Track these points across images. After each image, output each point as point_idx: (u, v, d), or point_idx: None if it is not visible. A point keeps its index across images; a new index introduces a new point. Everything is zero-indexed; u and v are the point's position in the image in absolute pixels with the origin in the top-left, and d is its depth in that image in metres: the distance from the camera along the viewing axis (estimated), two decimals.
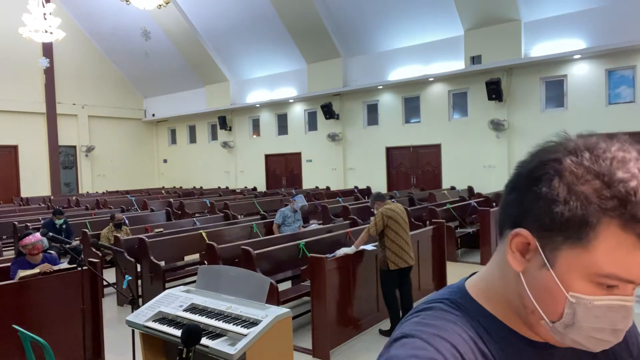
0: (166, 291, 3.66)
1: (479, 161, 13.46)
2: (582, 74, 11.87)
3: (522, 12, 12.12)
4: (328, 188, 16.13)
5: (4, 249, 8.48)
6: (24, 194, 18.24)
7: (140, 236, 6.74)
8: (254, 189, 18.19)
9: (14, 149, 18.94)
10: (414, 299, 5.29)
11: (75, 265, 4.39)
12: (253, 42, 17.05)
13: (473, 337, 0.71)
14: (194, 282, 5.24)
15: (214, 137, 20.84)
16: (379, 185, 15.33)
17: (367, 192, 14.91)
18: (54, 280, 4.29)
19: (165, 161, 23.28)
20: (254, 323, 2.95)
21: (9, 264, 4.68)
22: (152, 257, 6.27)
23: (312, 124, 17.53)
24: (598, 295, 0.65)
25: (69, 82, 20.19)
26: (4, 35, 17.56)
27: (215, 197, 14.37)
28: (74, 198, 15.44)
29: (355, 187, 15.38)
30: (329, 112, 15.94)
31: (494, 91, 12.52)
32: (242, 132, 19.61)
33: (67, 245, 4.25)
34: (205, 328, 3.03)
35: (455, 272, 7.06)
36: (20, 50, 18.01)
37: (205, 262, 6.13)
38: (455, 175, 14.00)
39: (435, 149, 14.55)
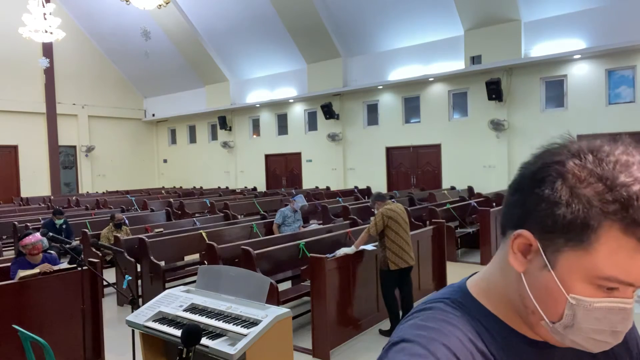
0: (166, 291, 3.66)
1: (479, 161, 13.46)
2: (582, 74, 11.87)
3: (522, 12, 12.12)
4: (328, 188, 16.14)
5: (4, 249, 8.48)
6: (24, 194, 18.24)
7: (140, 236, 6.74)
8: (254, 189, 18.20)
9: (14, 149, 18.94)
10: (414, 299, 5.29)
11: (75, 265, 4.38)
12: (253, 42, 17.05)
13: (472, 338, 0.71)
14: (194, 282, 5.24)
15: (214, 137, 20.85)
16: (379, 185, 15.33)
17: (367, 192, 14.91)
18: (54, 280, 4.29)
19: (165, 161, 23.28)
20: (254, 323, 2.95)
21: (9, 264, 4.68)
22: (152, 257, 6.27)
23: (312, 124, 17.54)
24: (598, 298, 0.65)
25: (68, 82, 20.19)
26: (4, 35, 17.56)
27: (215, 197, 14.37)
28: (74, 198, 15.44)
29: (355, 187, 15.38)
30: (329, 112, 15.94)
31: (494, 91, 12.53)
32: (242, 132, 19.61)
33: (67, 245, 4.25)
34: (205, 328, 3.03)
35: (455, 272, 7.06)
36: (20, 50, 18.02)
37: (205, 262, 6.12)
38: (455, 175, 14.00)
39: (435, 149, 14.55)
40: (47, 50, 18.53)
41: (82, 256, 6.49)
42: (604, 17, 11.17)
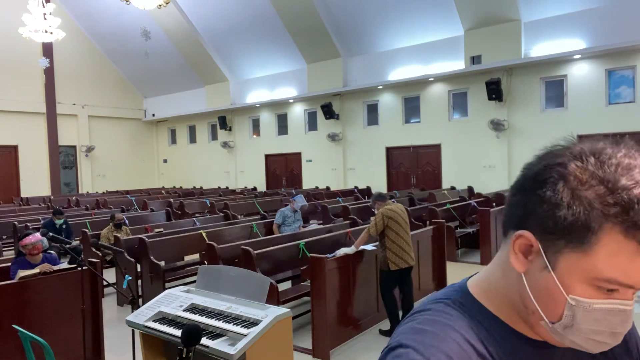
0: (166, 291, 3.66)
1: (479, 161, 13.46)
2: (582, 74, 11.87)
3: (522, 12, 12.12)
4: (328, 188, 16.14)
5: (4, 249, 8.48)
6: (24, 194, 18.24)
7: (140, 236, 6.74)
8: (254, 189, 18.20)
9: (14, 149, 18.94)
10: (414, 299, 5.30)
11: (75, 265, 4.39)
12: (253, 42, 17.05)
13: (471, 340, 0.72)
14: (194, 282, 5.24)
15: (214, 137, 20.85)
16: (379, 185, 15.34)
17: (367, 192, 14.91)
18: (54, 280, 4.29)
19: (165, 161, 23.28)
20: (254, 323, 2.95)
21: (9, 264, 4.68)
22: (152, 257, 6.28)
23: (312, 124, 17.53)
24: (598, 299, 0.65)
25: (68, 82, 20.19)
26: (4, 35, 17.56)
27: (215, 197, 14.37)
28: (74, 198, 15.44)
29: (355, 187, 15.38)
30: (329, 112, 15.94)
31: (494, 91, 12.53)
32: (242, 132, 19.61)
33: (67, 245, 4.25)
34: (205, 328, 3.03)
35: (455, 272, 7.07)
36: (20, 50, 18.02)
37: (205, 262, 6.12)
38: (455, 175, 14.00)
39: (435, 149, 14.55)
40: (47, 50, 18.53)
41: (82, 256, 6.49)
42: (604, 17, 11.17)
